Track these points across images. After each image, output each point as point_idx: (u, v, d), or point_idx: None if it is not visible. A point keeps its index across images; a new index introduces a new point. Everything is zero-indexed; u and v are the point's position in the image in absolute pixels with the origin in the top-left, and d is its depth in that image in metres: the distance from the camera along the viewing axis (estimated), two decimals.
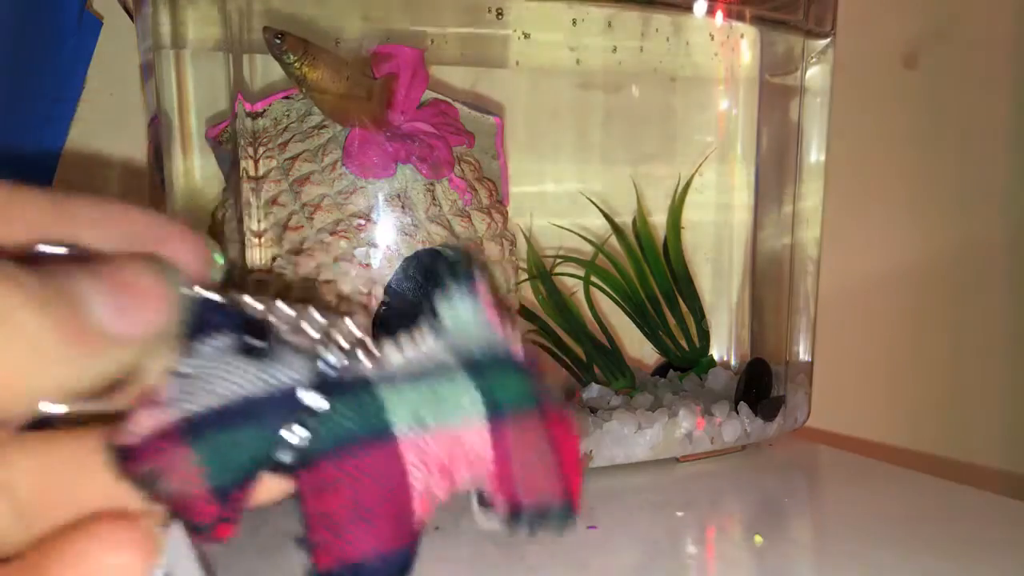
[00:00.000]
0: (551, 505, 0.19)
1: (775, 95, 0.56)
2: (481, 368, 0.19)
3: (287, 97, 0.43)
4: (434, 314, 0.19)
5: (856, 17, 0.61)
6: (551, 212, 0.54)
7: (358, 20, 0.47)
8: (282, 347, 0.18)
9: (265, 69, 0.44)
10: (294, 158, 0.41)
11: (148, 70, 0.45)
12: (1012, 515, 0.40)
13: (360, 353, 0.18)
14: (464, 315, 0.19)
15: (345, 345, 0.18)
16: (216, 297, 0.17)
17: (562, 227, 0.54)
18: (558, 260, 0.53)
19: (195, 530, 0.17)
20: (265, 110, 0.42)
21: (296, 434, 0.17)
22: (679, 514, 0.39)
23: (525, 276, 0.51)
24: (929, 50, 0.76)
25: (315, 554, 0.17)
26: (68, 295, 0.15)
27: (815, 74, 0.54)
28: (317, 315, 0.19)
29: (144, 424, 0.16)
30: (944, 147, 0.78)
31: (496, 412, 0.19)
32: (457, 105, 0.44)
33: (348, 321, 0.19)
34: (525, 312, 0.51)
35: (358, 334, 0.19)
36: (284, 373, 0.17)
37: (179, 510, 0.16)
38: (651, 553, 0.34)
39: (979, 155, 0.80)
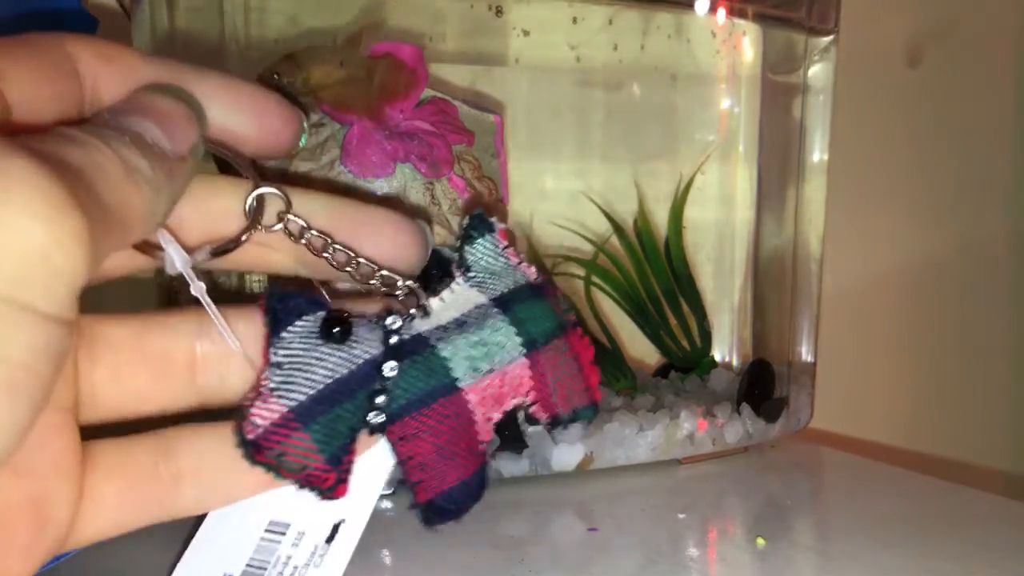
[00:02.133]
0: (580, 406, 0.23)
1: (777, 93, 0.55)
2: (511, 304, 0.22)
3: None
4: (462, 260, 0.23)
5: (859, 15, 0.61)
6: (551, 211, 0.54)
7: (358, 18, 0.46)
8: (354, 322, 0.21)
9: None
10: (292, 156, 0.40)
11: None
12: (1017, 517, 0.40)
13: (413, 310, 0.22)
14: (487, 256, 0.23)
15: (399, 296, 0.22)
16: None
17: (562, 226, 0.54)
18: (558, 260, 0.53)
19: (320, 494, 0.20)
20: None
21: (381, 402, 0.21)
22: (681, 516, 0.39)
23: None
24: (933, 48, 0.76)
25: (415, 491, 0.21)
26: (142, 139, 0.18)
27: (818, 72, 0.54)
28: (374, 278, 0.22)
29: (263, 416, 0.20)
30: (948, 146, 0.78)
31: (531, 344, 0.22)
32: (456, 103, 0.44)
33: (398, 278, 0.22)
34: None
35: (408, 287, 0.22)
36: (362, 349, 0.21)
37: (305, 482, 0.20)
38: (652, 555, 0.34)
39: (983, 154, 0.80)
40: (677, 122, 0.57)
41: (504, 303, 0.22)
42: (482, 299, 0.22)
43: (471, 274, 0.23)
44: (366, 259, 0.21)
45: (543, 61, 0.53)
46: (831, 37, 0.53)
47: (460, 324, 0.22)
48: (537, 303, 0.23)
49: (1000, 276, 0.81)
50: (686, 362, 0.55)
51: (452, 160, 0.42)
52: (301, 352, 0.20)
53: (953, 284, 0.79)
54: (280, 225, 0.21)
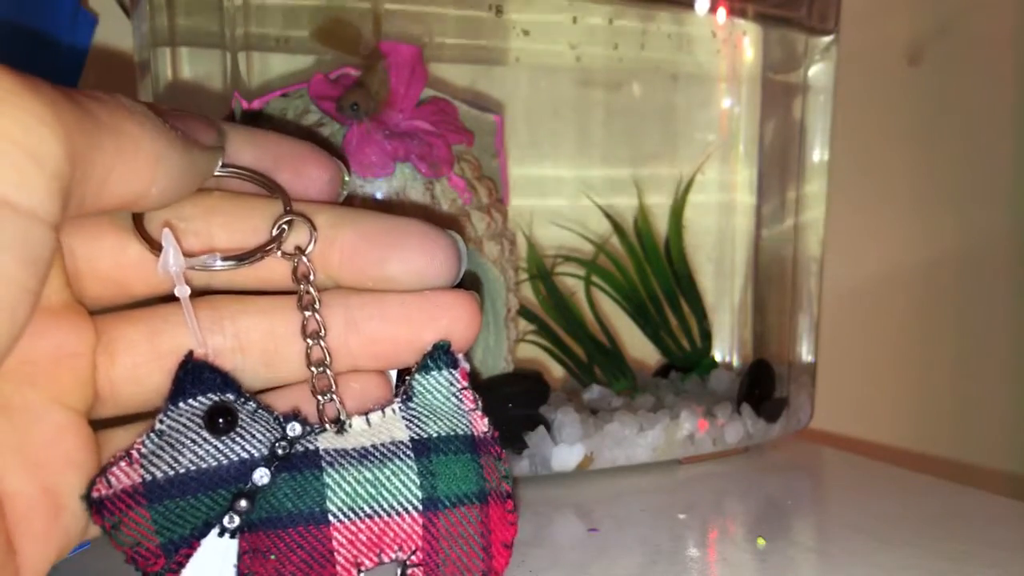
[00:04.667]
0: None
1: (778, 93, 0.55)
2: (431, 453, 0.20)
3: (284, 95, 0.42)
4: (408, 389, 0.21)
5: (860, 14, 0.61)
6: (551, 211, 0.54)
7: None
8: (248, 418, 0.20)
9: (262, 67, 0.43)
10: None
11: (144, 68, 0.44)
12: (1019, 518, 0.40)
13: (328, 424, 0.21)
14: (438, 392, 0.21)
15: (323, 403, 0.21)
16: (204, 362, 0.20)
17: (562, 226, 0.54)
18: (558, 260, 0.53)
19: (145, 573, 0.19)
20: (262, 108, 0.42)
21: (241, 507, 0.19)
22: (681, 516, 0.39)
23: (525, 276, 0.51)
24: (934, 47, 0.76)
25: None
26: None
27: (818, 71, 0.53)
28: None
29: (118, 479, 0.19)
30: (949, 145, 0.78)
31: (432, 504, 0.20)
32: (456, 103, 0.44)
33: (334, 398, 0.21)
34: (525, 312, 0.50)
35: (336, 414, 0.21)
36: (242, 447, 0.20)
37: (130, 559, 0.19)
38: (653, 556, 0.34)
39: (984, 153, 0.79)
40: (677, 122, 0.57)
41: (424, 448, 0.20)
42: (403, 436, 0.20)
43: (411, 405, 0.21)
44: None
45: (543, 61, 0.53)
46: (832, 36, 0.53)
47: (363, 455, 0.20)
48: (464, 460, 0.21)
49: (1002, 275, 0.81)
50: (686, 362, 0.55)
51: (452, 160, 0.42)
52: (181, 429, 0.19)
53: (954, 283, 0.79)
54: (293, 256, 0.20)
